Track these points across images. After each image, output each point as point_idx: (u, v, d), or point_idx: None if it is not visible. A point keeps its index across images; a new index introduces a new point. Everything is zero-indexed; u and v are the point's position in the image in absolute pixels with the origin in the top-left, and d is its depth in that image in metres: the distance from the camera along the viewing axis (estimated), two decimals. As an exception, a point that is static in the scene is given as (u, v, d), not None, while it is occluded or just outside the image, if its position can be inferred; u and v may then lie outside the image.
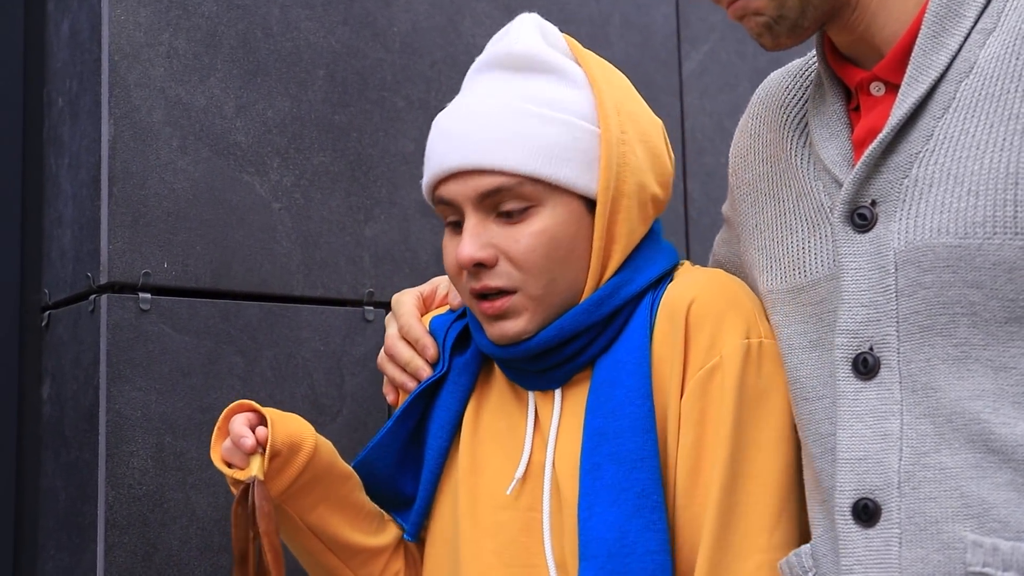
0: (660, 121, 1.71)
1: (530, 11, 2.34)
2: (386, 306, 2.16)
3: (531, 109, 1.58)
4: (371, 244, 2.17)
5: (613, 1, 2.48)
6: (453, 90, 2.28)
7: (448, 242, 1.63)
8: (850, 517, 1.41)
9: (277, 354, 2.06)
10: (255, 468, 1.59)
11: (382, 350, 1.78)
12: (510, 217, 1.58)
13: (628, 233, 1.61)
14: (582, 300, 1.60)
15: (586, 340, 1.59)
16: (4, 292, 2.10)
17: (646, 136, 1.65)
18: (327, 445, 1.70)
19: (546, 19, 2.34)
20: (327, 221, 2.13)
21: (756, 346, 1.56)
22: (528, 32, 1.65)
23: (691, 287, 1.59)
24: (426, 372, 1.71)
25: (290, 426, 1.64)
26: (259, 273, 2.06)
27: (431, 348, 1.71)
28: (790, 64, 1.73)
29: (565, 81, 1.62)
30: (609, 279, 1.60)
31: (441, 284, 1.82)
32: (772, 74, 1.76)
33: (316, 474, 1.66)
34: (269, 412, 1.64)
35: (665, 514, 1.51)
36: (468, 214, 1.58)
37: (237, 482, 1.62)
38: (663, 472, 1.53)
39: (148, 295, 1.97)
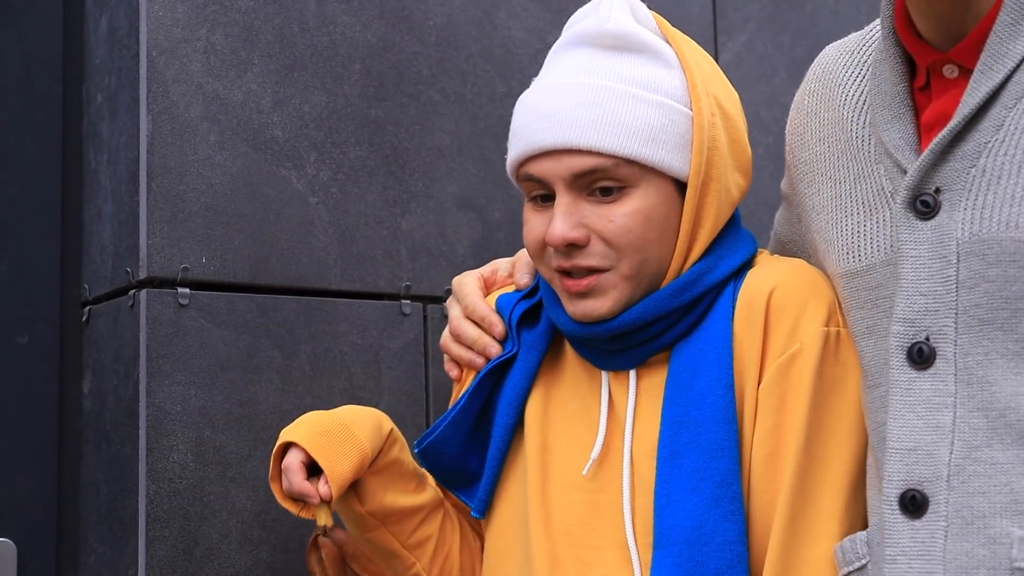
0: (739, 102, 1.70)
1: (567, 7, 2.34)
2: (423, 299, 2.17)
3: (627, 90, 1.58)
4: (408, 238, 2.17)
5: (649, -8, 2.47)
6: (489, 83, 2.28)
7: (533, 216, 1.62)
8: (897, 507, 1.41)
9: (315, 348, 2.07)
10: (323, 519, 1.66)
11: (446, 330, 1.78)
12: (604, 196, 1.58)
13: (715, 217, 1.62)
14: (666, 284, 1.61)
15: (667, 323, 1.60)
16: (45, 287, 2.12)
17: (731, 121, 1.65)
18: (388, 424, 1.74)
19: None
20: (364, 215, 2.14)
21: (835, 335, 1.57)
22: (620, 9, 1.64)
23: (773, 275, 1.60)
24: (495, 349, 1.71)
25: (357, 452, 1.66)
26: (296, 267, 2.07)
27: (499, 325, 1.72)
28: (847, 38, 1.70)
29: (658, 61, 1.62)
30: (693, 265, 1.61)
31: (502, 266, 1.82)
32: (828, 48, 1.73)
33: (394, 463, 1.74)
34: (323, 454, 1.65)
35: (743, 505, 1.52)
36: (560, 192, 1.58)
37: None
38: (740, 460, 1.54)
39: (187, 290, 1.98)
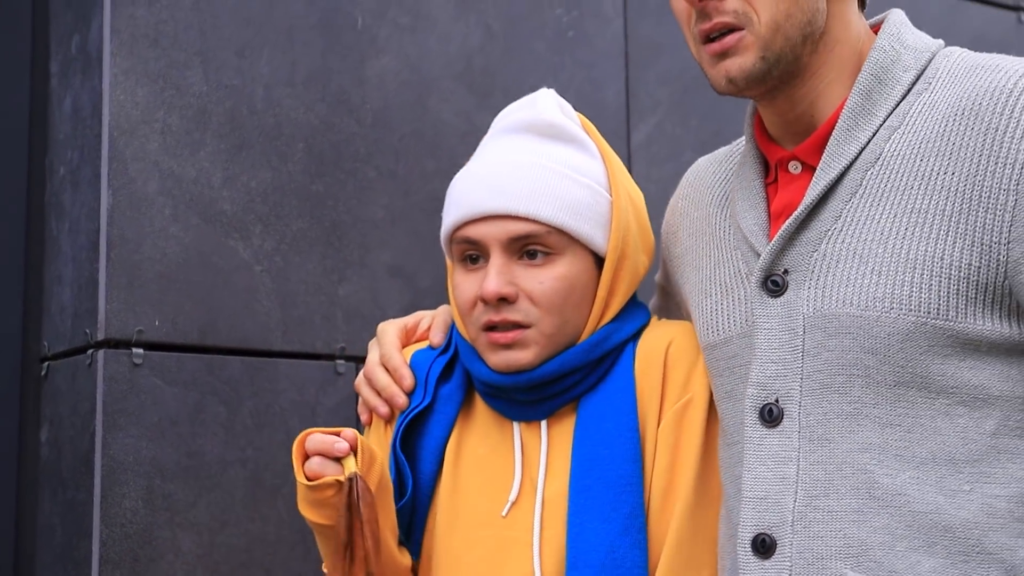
0: (643, 198, 1.93)
1: (491, 91, 2.57)
2: (357, 359, 2.37)
3: (561, 170, 1.80)
4: (344, 303, 2.37)
5: (569, 78, 2.70)
6: (420, 161, 2.50)
7: (464, 279, 1.81)
8: (750, 549, 1.62)
9: (257, 404, 2.27)
10: (352, 466, 1.69)
11: (361, 372, 1.95)
12: (531, 259, 1.78)
13: (625, 290, 1.84)
14: (581, 341, 1.81)
15: (579, 377, 1.80)
16: (6, 343, 2.30)
17: (637, 209, 1.88)
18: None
19: (508, 95, 2.57)
20: (304, 282, 2.34)
21: None
22: (552, 105, 1.87)
23: (668, 333, 1.83)
24: (401, 400, 1.87)
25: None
26: (241, 330, 2.27)
27: (408, 379, 1.88)
28: (717, 152, 1.95)
29: (585, 151, 1.85)
30: (603, 326, 1.82)
31: (424, 318, 1.99)
32: (700, 160, 1.97)
33: (385, 482, 1.79)
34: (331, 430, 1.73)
35: (647, 535, 1.73)
36: (495, 254, 1.78)
37: (331, 487, 1.69)
38: (644, 495, 1.75)
39: (141, 350, 2.17)
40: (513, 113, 1.89)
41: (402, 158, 2.48)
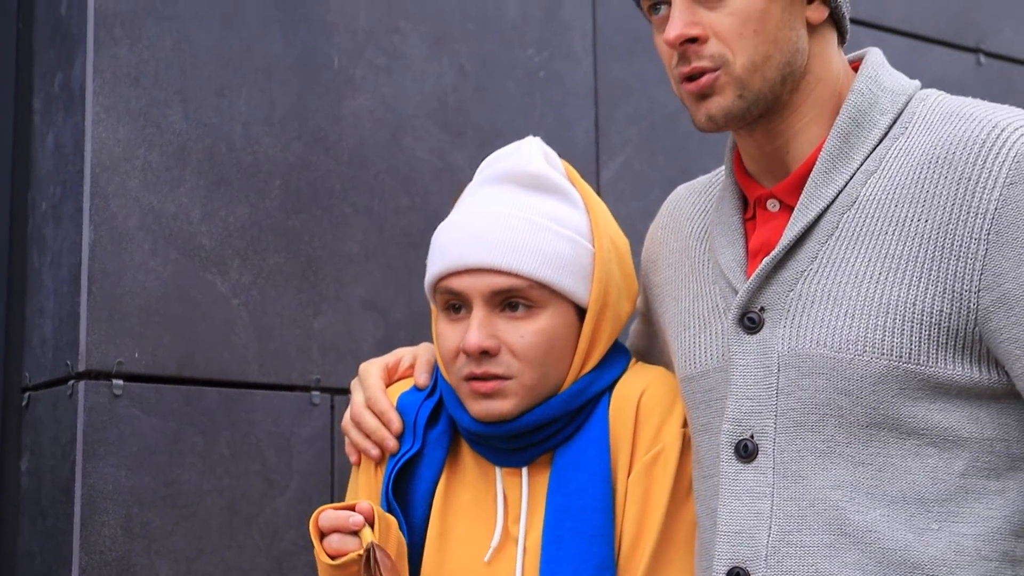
0: (627, 241, 1.98)
1: (464, 131, 2.64)
2: (332, 391, 2.43)
3: (543, 223, 1.84)
4: (319, 336, 2.44)
5: (540, 117, 2.77)
6: (394, 198, 2.56)
7: (447, 329, 1.85)
8: None
9: (233, 434, 2.32)
10: (369, 536, 1.71)
11: (347, 413, 1.99)
12: (513, 312, 1.82)
13: (607, 340, 1.88)
14: (561, 391, 1.85)
15: (558, 426, 1.85)
16: (-12, 374, 2.35)
17: (621, 257, 1.92)
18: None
19: (480, 134, 2.64)
20: (280, 315, 2.40)
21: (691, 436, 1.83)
22: (537, 154, 1.91)
23: (641, 382, 1.87)
24: (391, 444, 1.90)
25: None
26: (219, 362, 2.32)
27: (396, 423, 1.91)
28: (696, 180, 1.99)
29: (568, 202, 1.89)
30: (582, 376, 1.86)
31: (405, 356, 2.02)
32: (680, 188, 2.00)
33: (402, 547, 1.84)
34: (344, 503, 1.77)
35: None
36: (477, 306, 1.82)
37: (355, 563, 1.72)
38: (614, 545, 1.81)
39: (121, 381, 2.22)
40: (497, 162, 1.92)
41: (377, 195, 2.54)
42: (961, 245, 1.59)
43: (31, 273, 2.38)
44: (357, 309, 2.49)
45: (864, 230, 1.64)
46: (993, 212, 1.58)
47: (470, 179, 2.00)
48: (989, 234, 1.58)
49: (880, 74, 1.73)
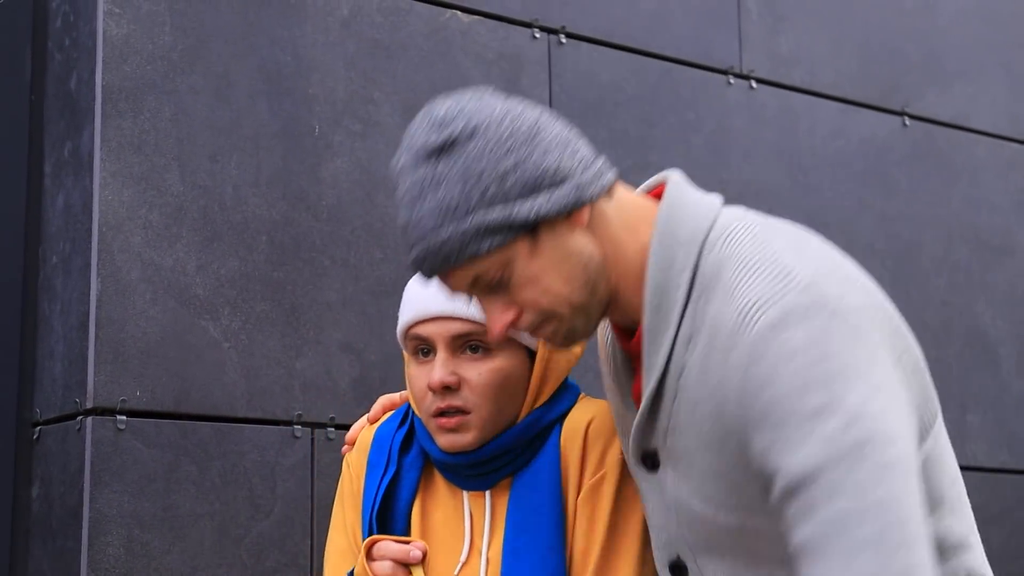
0: None
1: (432, 191, 2.91)
2: (312, 425, 2.70)
3: None
4: (300, 375, 2.71)
5: (500, 176, 3.06)
6: (369, 251, 2.84)
7: (416, 370, 2.09)
8: None
9: (224, 464, 2.59)
10: (420, 573, 1.92)
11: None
12: (473, 353, 2.05)
13: (556, 379, 2.11)
14: (516, 424, 2.08)
15: (516, 454, 2.08)
16: (2, 411, 2.61)
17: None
18: None
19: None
20: (266, 357, 2.67)
21: None
22: None
23: (589, 412, 2.09)
24: (345, 447, 2.15)
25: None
26: (211, 399, 2.59)
27: (347, 444, 2.17)
28: None
29: None
30: (535, 409, 2.09)
31: (378, 402, 2.28)
32: None
33: None
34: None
35: None
36: (441, 349, 2.05)
37: None
38: (566, 556, 2.05)
39: (124, 417, 2.49)
40: None
41: (353, 248, 2.82)
42: (734, 420, 1.57)
43: (42, 320, 2.65)
44: (335, 351, 2.76)
45: (694, 396, 1.62)
46: (743, 391, 1.54)
47: (435, 238, 2.27)
48: (746, 413, 1.54)
49: (674, 221, 1.64)
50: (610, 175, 1.66)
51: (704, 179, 3.38)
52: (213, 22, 2.71)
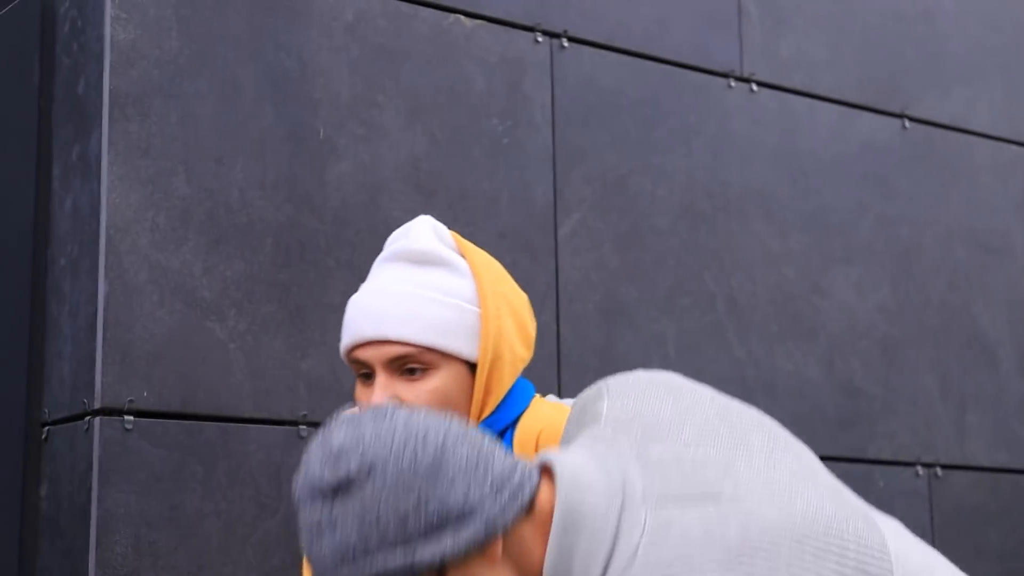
0: (525, 295, 2.27)
1: (436, 192, 2.95)
2: (317, 425, 2.73)
3: (428, 295, 2.11)
4: (306, 376, 2.74)
5: (504, 179, 3.09)
6: (373, 253, 2.86)
7: (361, 392, 2.11)
8: None
9: (230, 463, 2.62)
10: None
11: None
12: (411, 375, 2.08)
13: (500, 388, 2.15)
14: None
15: None
16: (12, 411, 2.65)
17: (514, 310, 2.20)
18: None
19: (448, 197, 2.95)
20: (271, 358, 2.71)
21: None
22: (425, 232, 2.14)
23: (541, 419, 2.13)
24: None
25: None
26: (217, 400, 2.63)
27: None
28: None
29: (454, 272, 2.16)
30: (484, 419, 2.14)
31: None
32: None
33: None
34: None
35: None
36: (379, 372, 2.07)
37: None
38: None
39: (132, 417, 2.52)
40: (393, 243, 2.16)
41: (357, 250, 2.85)
42: None
43: (50, 322, 2.69)
44: (339, 353, 2.79)
45: None
46: None
47: (439, 240, 2.31)
48: None
49: (570, 538, 1.49)
50: (528, 489, 1.52)
51: (705, 182, 3.44)
52: (219, 27, 2.74)
